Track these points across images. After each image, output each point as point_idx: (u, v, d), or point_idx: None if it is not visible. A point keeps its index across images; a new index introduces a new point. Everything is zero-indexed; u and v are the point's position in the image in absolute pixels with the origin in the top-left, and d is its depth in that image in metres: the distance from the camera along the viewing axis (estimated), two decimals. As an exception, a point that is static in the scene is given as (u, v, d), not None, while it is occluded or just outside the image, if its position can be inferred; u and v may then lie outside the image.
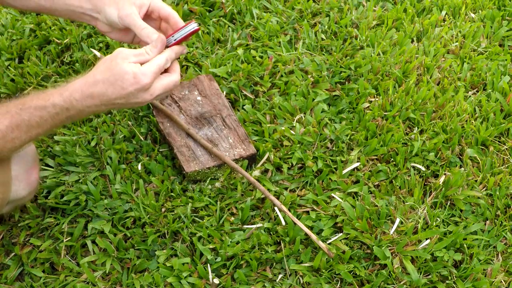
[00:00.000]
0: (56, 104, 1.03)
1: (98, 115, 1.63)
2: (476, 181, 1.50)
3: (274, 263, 1.34)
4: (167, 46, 1.14)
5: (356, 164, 1.52)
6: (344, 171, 1.50)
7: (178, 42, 1.16)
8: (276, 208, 1.40)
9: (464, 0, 2.08)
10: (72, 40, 1.83)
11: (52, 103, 1.02)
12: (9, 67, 1.76)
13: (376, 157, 1.55)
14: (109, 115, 1.63)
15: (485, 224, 1.42)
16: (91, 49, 1.79)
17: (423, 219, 1.41)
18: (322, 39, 1.89)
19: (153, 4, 1.19)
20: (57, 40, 1.84)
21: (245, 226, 1.40)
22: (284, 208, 1.36)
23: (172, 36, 1.16)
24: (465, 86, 1.76)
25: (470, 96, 1.73)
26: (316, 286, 1.30)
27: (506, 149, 1.58)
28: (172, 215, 1.40)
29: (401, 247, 1.34)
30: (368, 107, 1.67)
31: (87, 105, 1.04)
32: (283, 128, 1.59)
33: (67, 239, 1.36)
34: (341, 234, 1.38)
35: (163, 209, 1.41)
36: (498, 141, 1.60)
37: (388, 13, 1.99)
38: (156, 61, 1.09)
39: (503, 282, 1.32)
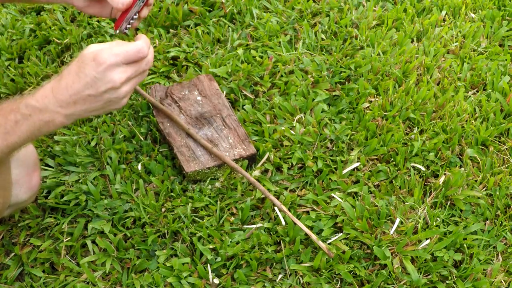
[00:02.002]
0: (29, 104, 0.96)
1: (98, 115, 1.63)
2: (476, 181, 1.50)
3: (274, 263, 1.34)
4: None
5: (356, 164, 1.52)
6: (344, 171, 1.50)
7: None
8: (276, 208, 1.40)
9: (464, 0, 2.08)
10: (72, 40, 1.83)
11: (24, 104, 0.97)
12: (9, 67, 1.76)
13: (376, 157, 1.55)
14: (109, 115, 1.63)
15: (485, 224, 1.42)
16: None
17: (423, 219, 1.41)
18: (322, 39, 1.89)
19: None
20: (57, 40, 1.84)
21: (245, 226, 1.40)
22: (284, 208, 1.36)
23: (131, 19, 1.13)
24: (465, 86, 1.76)
25: (470, 96, 1.73)
26: (316, 286, 1.30)
27: (506, 149, 1.58)
28: (172, 215, 1.40)
29: (401, 247, 1.34)
30: (368, 107, 1.67)
31: (59, 104, 0.97)
32: (283, 128, 1.59)
33: (67, 239, 1.36)
34: (341, 234, 1.38)
35: (163, 209, 1.41)
36: (498, 141, 1.60)
37: (388, 13, 1.99)
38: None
39: (503, 282, 1.32)
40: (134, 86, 1.02)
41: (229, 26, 1.93)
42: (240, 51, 1.81)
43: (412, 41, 1.93)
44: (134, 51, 0.98)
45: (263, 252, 1.33)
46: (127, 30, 1.17)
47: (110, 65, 0.95)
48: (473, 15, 2.04)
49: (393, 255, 1.34)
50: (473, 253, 1.35)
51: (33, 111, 0.97)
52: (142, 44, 0.99)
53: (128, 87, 1.00)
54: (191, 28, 1.92)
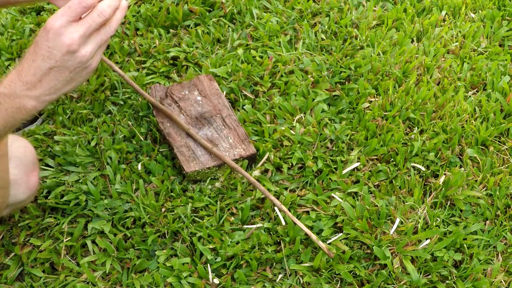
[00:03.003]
0: None
1: (98, 115, 1.63)
2: (476, 181, 1.50)
3: (274, 263, 1.34)
4: None
5: (356, 164, 1.52)
6: (344, 171, 1.50)
7: None
8: (276, 208, 1.40)
9: (464, 0, 2.08)
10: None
11: None
12: (9, 67, 1.76)
13: (376, 157, 1.55)
14: (109, 115, 1.64)
15: (485, 224, 1.42)
16: None
17: (423, 219, 1.41)
18: (322, 39, 1.89)
19: None
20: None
21: (245, 226, 1.40)
22: (284, 208, 1.36)
23: None
24: (465, 86, 1.76)
25: (470, 96, 1.73)
26: (316, 286, 1.30)
27: (506, 149, 1.58)
28: (172, 215, 1.40)
29: (401, 247, 1.34)
30: (368, 107, 1.67)
31: (25, 87, 0.91)
32: (283, 128, 1.59)
33: (67, 239, 1.36)
34: (341, 234, 1.38)
35: (163, 209, 1.41)
36: (498, 141, 1.60)
37: (388, 13, 1.99)
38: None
39: (503, 282, 1.32)
40: (96, 45, 0.92)
41: (229, 26, 1.93)
42: (240, 51, 1.81)
43: (412, 41, 1.93)
44: (75, 3, 0.88)
45: (263, 252, 1.33)
46: None
47: (57, 28, 0.88)
48: (473, 15, 2.04)
49: (393, 255, 1.34)
50: (473, 253, 1.35)
51: (3, 99, 0.92)
52: None
53: (88, 47, 0.91)
54: (191, 28, 1.92)
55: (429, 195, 1.47)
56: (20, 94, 0.92)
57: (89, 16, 0.89)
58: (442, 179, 1.49)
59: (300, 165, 1.53)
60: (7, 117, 0.93)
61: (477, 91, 1.77)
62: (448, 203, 1.46)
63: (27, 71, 0.91)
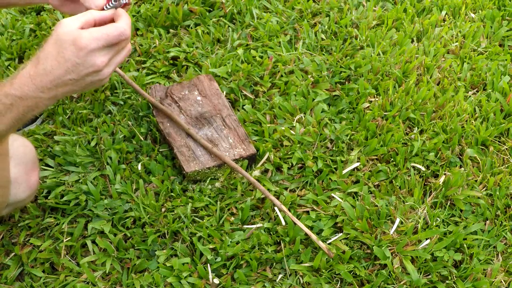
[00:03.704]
0: (8, 93, 0.93)
1: (98, 115, 1.63)
2: (476, 181, 1.50)
3: (274, 263, 1.34)
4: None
5: (356, 164, 1.52)
6: (344, 171, 1.50)
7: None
8: (276, 208, 1.40)
9: (464, 0, 2.08)
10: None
11: (4, 93, 0.93)
12: (9, 67, 1.76)
13: (376, 157, 1.55)
14: (109, 115, 1.64)
15: (485, 224, 1.42)
16: None
17: (423, 219, 1.41)
18: (322, 39, 1.89)
19: None
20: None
21: (245, 226, 1.40)
22: (284, 208, 1.36)
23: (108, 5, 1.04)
24: (465, 86, 1.76)
25: (470, 96, 1.73)
26: (316, 286, 1.30)
27: (506, 149, 1.58)
28: (172, 215, 1.40)
29: (401, 247, 1.34)
30: (368, 107, 1.67)
31: (40, 91, 0.93)
32: (283, 128, 1.59)
33: (67, 239, 1.36)
34: (341, 234, 1.38)
35: (163, 209, 1.41)
36: (498, 141, 1.60)
37: (388, 13, 1.99)
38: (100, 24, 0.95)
39: (503, 282, 1.32)
40: (116, 65, 0.98)
41: (229, 26, 1.93)
42: (240, 51, 1.81)
43: (412, 41, 1.93)
44: (115, 35, 0.93)
45: (263, 252, 1.33)
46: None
47: (91, 50, 0.91)
48: (473, 15, 2.04)
49: (393, 255, 1.34)
50: (473, 253, 1.35)
51: (14, 100, 0.94)
52: (124, 26, 0.93)
53: (110, 68, 0.97)
54: (191, 28, 1.92)
55: (429, 195, 1.47)
56: (34, 96, 0.94)
57: (119, 44, 0.95)
58: (442, 179, 1.49)
59: (300, 165, 1.53)
60: (18, 116, 0.95)
61: (477, 91, 1.77)
62: (448, 203, 1.46)
63: (43, 77, 0.92)
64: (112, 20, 0.98)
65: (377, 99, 1.69)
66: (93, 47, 0.91)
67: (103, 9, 0.99)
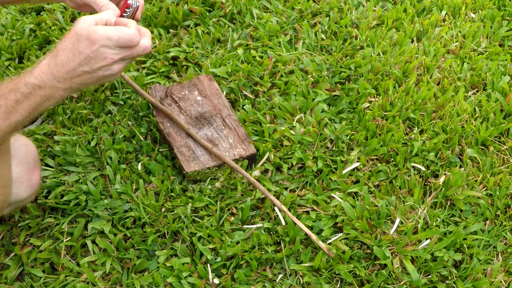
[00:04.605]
0: (27, 82, 1.00)
1: (98, 115, 1.63)
2: (476, 181, 1.50)
3: (274, 263, 1.34)
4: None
5: (356, 164, 1.52)
6: (344, 171, 1.50)
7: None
8: (276, 208, 1.40)
9: (464, 0, 2.08)
10: (72, 40, 1.82)
11: (24, 82, 1.00)
12: (9, 67, 1.76)
13: (376, 157, 1.55)
14: (109, 115, 1.64)
15: (485, 224, 1.42)
16: None
17: (423, 219, 1.41)
18: (322, 39, 1.89)
19: None
20: (57, 40, 1.84)
21: (245, 226, 1.40)
22: (284, 208, 1.36)
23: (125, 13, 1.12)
24: (465, 86, 1.76)
25: (470, 96, 1.73)
26: (316, 286, 1.30)
27: (506, 149, 1.58)
28: (172, 215, 1.40)
29: (401, 247, 1.34)
30: (368, 107, 1.67)
31: (57, 80, 1.01)
32: (283, 128, 1.59)
33: (67, 239, 1.36)
34: (341, 234, 1.38)
35: (163, 209, 1.41)
36: (498, 141, 1.60)
37: (388, 13, 1.99)
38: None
39: (503, 282, 1.32)
40: (127, 64, 1.06)
41: (229, 26, 1.93)
42: (240, 51, 1.81)
43: (412, 41, 1.93)
44: (125, 39, 1.00)
45: (263, 252, 1.33)
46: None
47: (102, 45, 0.99)
48: (473, 15, 2.04)
49: (393, 255, 1.34)
50: (473, 253, 1.35)
51: (33, 88, 1.00)
52: (135, 34, 1.01)
53: (121, 65, 1.04)
54: (191, 28, 1.92)
55: (429, 195, 1.47)
56: (51, 85, 1.01)
57: (132, 49, 1.03)
58: (442, 179, 1.49)
59: (300, 165, 1.53)
60: (35, 105, 1.02)
61: (477, 91, 1.77)
62: (448, 203, 1.46)
63: (60, 67, 1.00)
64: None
65: (377, 99, 1.69)
66: (105, 43, 0.99)
67: (122, 16, 1.07)
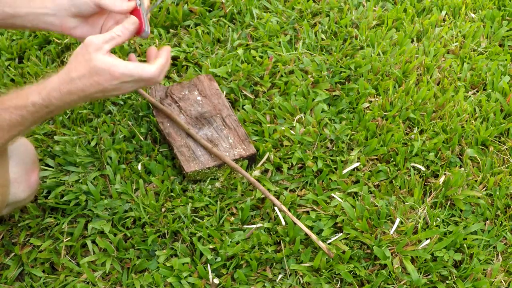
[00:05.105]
0: (35, 103, 1.02)
1: (98, 115, 1.63)
2: (476, 181, 1.50)
3: (274, 263, 1.34)
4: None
5: (356, 164, 1.52)
6: (344, 171, 1.50)
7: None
8: (276, 208, 1.40)
9: (464, 0, 2.08)
10: (72, 40, 1.83)
11: (31, 102, 1.02)
12: (9, 67, 1.76)
13: (376, 157, 1.55)
14: (109, 115, 1.64)
15: (485, 224, 1.42)
16: None
17: (423, 219, 1.41)
18: (322, 39, 1.89)
19: None
20: (57, 40, 1.84)
21: (245, 226, 1.40)
22: (284, 208, 1.36)
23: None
24: (465, 86, 1.76)
25: (470, 96, 1.73)
26: (316, 286, 1.30)
27: (506, 149, 1.58)
28: (172, 215, 1.40)
29: (401, 247, 1.34)
30: (368, 107, 1.67)
31: (66, 102, 1.04)
32: (283, 128, 1.59)
33: (67, 239, 1.36)
34: (341, 234, 1.38)
35: (163, 209, 1.41)
36: (498, 141, 1.60)
37: (388, 13, 1.99)
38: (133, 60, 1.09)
39: (503, 282, 1.32)
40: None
41: (229, 26, 1.93)
42: (240, 51, 1.81)
43: (412, 41, 1.93)
44: (147, 78, 1.04)
45: (263, 252, 1.33)
46: (149, 32, 1.16)
47: (123, 81, 1.03)
48: (473, 15, 2.04)
49: (393, 255, 1.34)
50: (473, 253, 1.35)
51: (40, 109, 1.02)
52: (155, 73, 1.05)
53: (132, 89, 1.08)
54: (191, 28, 1.92)
55: (429, 195, 1.47)
56: (59, 106, 1.04)
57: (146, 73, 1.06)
58: (442, 179, 1.49)
59: (300, 165, 1.53)
60: (40, 119, 1.07)
61: (477, 91, 1.77)
62: (448, 203, 1.46)
63: (73, 94, 1.04)
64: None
65: (377, 99, 1.69)
66: (126, 80, 1.03)
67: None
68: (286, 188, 1.48)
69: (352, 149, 1.57)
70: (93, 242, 1.36)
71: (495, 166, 1.53)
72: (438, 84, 1.77)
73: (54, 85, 1.03)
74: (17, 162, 1.21)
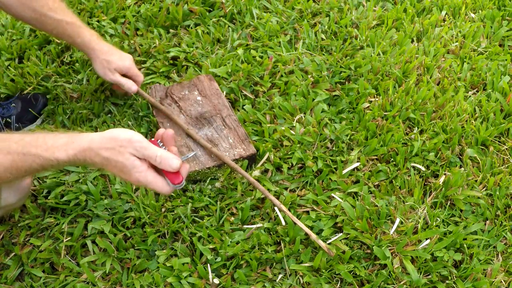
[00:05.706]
0: (60, 160, 1.03)
1: (98, 115, 1.63)
2: (476, 181, 1.50)
3: (274, 263, 1.34)
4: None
5: (356, 164, 1.52)
6: (344, 171, 1.50)
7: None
8: (276, 208, 1.40)
9: (464, 0, 2.08)
10: (72, 40, 1.82)
11: (56, 159, 1.03)
12: (9, 67, 1.76)
13: (376, 157, 1.55)
14: (109, 115, 1.63)
15: (485, 224, 1.42)
16: None
17: (423, 219, 1.41)
18: (322, 39, 1.89)
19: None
20: (57, 40, 1.84)
21: (245, 226, 1.40)
22: (284, 208, 1.36)
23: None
24: (465, 86, 1.76)
25: (470, 96, 1.73)
26: (316, 286, 1.30)
27: (506, 149, 1.58)
28: (172, 215, 1.40)
29: (401, 247, 1.34)
30: (368, 107, 1.67)
31: (86, 164, 1.07)
32: (283, 128, 1.59)
33: (67, 239, 1.36)
34: (341, 234, 1.38)
35: (163, 209, 1.41)
36: (498, 141, 1.60)
37: (388, 13, 1.99)
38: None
39: (503, 282, 1.32)
40: None
41: (229, 26, 1.93)
42: (240, 51, 1.81)
43: (412, 41, 1.93)
44: (158, 192, 1.05)
45: (263, 252, 1.33)
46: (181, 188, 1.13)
47: (139, 183, 1.05)
48: (473, 15, 2.04)
49: (393, 255, 1.34)
50: (473, 253, 1.35)
51: (62, 165, 1.04)
52: (170, 192, 1.07)
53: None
54: (191, 28, 1.92)
55: (429, 195, 1.47)
56: (78, 164, 1.07)
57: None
58: (442, 179, 1.49)
59: (300, 165, 1.53)
60: (40, 170, 1.05)
61: (477, 91, 1.77)
62: (448, 203, 1.46)
63: (96, 165, 1.05)
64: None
65: (377, 99, 1.69)
66: (141, 185, 1.06)
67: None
68: (286, 188, 1.48)
69: (352, 149, 1.57)
70: (93, 242, 1.36)
71: (495, 166, 1.53)
72: (438, 84, 1.77)
73: (85, 153, 1.04)
74: None
